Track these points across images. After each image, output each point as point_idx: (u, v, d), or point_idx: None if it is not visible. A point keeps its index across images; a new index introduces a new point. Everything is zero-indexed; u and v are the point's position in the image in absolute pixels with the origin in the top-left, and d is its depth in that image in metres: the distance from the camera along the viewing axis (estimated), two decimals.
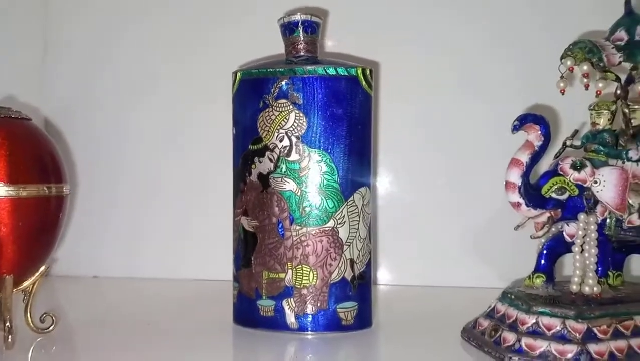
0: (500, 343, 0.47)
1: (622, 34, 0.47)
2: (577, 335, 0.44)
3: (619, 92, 0.49)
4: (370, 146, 0.56)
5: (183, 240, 0.76)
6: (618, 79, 0.49)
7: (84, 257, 0.79)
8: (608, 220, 0.47)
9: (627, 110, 0.48)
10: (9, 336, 0.49)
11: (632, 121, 0.50)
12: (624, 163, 0.48)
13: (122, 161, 0.78)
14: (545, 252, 0.50)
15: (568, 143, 0.49)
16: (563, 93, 0.48)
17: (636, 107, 0.50)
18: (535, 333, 0.45)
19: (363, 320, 0.55)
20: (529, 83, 0.68)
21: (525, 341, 0.45)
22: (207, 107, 0.74)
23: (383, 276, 0.73)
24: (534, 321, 0.46)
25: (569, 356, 0.43)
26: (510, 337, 0.46)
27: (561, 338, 0.44)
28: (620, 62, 0.46)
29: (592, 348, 0.43)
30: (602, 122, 0.49)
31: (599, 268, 0.48)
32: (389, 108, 0.72)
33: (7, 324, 0.49)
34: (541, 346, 0.44)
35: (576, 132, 0.50)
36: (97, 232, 0.78)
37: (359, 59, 0.70)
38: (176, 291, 0.72)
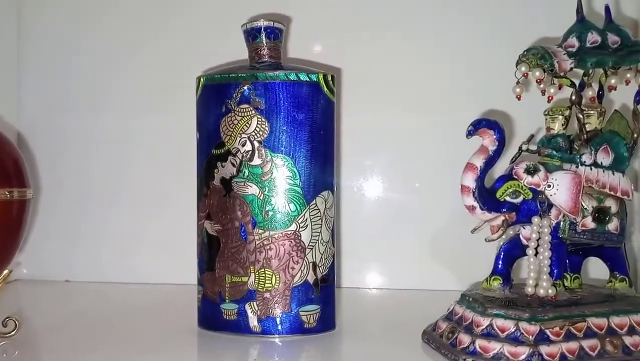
0: (456, 345, 0.47)
1: (573, 40, 0.48)
2: (530, 336, 0.45)
3: (573, 97, 0.49)
4: (334, 151, 0.57)
5: (150, 244, 0.77)
6: (573, 85, 0.50)
7: (56, 261, 0.79)
8: (562, 223, 0.48)
9: (580, 116, 0.49)
10: None
11: (586, 126, 0.50)
12: (577, 167, 0.49)
13: (89, 165, 0.78)
14: (502, 254, 0.50)
15: (524, 147, 0.50)
16: (519, 99, 0.49)
17: (591, 112, 0.51)
18: (489, 335, 0.46)
19: (326, 322, 0.55)
20: (486, 88, 0.69)
21: (479, 343, 0.46)
22: (173, 112, 0.75)
23: (347, 279, 0.74)
24: (488, 323, 0.46)
25: (521, 357, 0.44)
26: (465, 339, 0.47)
27: (514, 340, 0.45)
28: (571, 68, 0.47)
29: (544, 349, 0.44)
30: (556, 126, 0.49)
31: (554, 271, 0.49)
32: (352, 113, 0.73)
33: None
34: (495, 347, 0.45)
35: (532, 136, 0.50)
36: (67, 236, 0.78)
37: (323, 65, 0.71)
38: (143, 295, 0.72)
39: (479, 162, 0.48)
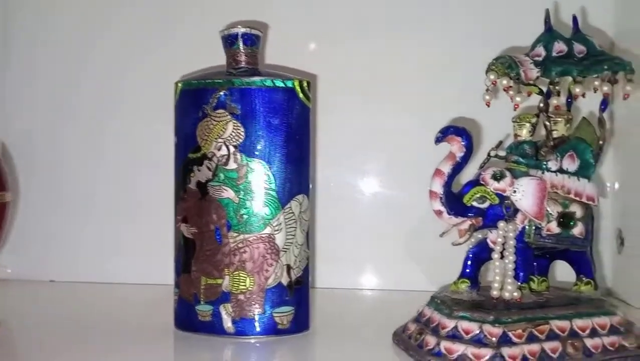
0: (423, 346, 0.48)
1: (540, 50, 0.49)
2: (493, 338, 0.46)
3: (541, 105, 0.50)
4: (309, 155, 0.58)
5: (132, 246, 0.78)
6: (541, 92, 0.51)
7: (41, 262, 0.80)
8: (527, 228, 0.49)
9: (548, 123, 0.50)
10: None
11: (554, 133, 0.52)
12: (543, 173, 0.50)
13: (72, 169, 0.79)
14: (470, 258, 0.51)
15: (492, 153, 0.51)
16: (489, 106, 0.50)
17: (558, 119, 0.52)
18: (454, 336, 0.47)
19: (300, 323, 0.56)
20: (458, 94, 0.70)
21: (444, 345, 0.47)
22: (153, 117, 0.76)
23: (323, 280, 0.75)
24: (453, 325, 0.47)
25: (484, 359, 0.45)
26: (431, 340, 0.48)
27: (478, 342, 0.46)
28: (537, 77, 0.48)
29: (506, 351, 0.45)
30: (524, 133, 0.51)
31: (520, 274, 0.50)
32: (329, 115, 0.75)
33: None
34: (458, 349, 0.46)
35: (500, 142, 0.52)
36: (51, 236, 0.79)
37: (299, 72, 0.72)
38: (124, 295, 0.73)
39: (447, 168, 0.49)
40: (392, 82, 0.75)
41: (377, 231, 0.75)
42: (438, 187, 0.49)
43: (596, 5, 0.72)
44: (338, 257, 0.74)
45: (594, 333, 0.48)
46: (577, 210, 0.50)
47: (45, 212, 0.80)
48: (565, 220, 0.49)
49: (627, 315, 0.51)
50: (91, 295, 0.74)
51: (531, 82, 0.48)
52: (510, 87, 0.48)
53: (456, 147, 0.49)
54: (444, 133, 0.49)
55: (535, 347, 0.46)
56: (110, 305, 0.69)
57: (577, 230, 0.50)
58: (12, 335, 0.58)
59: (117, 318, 0.63)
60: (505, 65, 0.48)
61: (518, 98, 0.48)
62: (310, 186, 0.58)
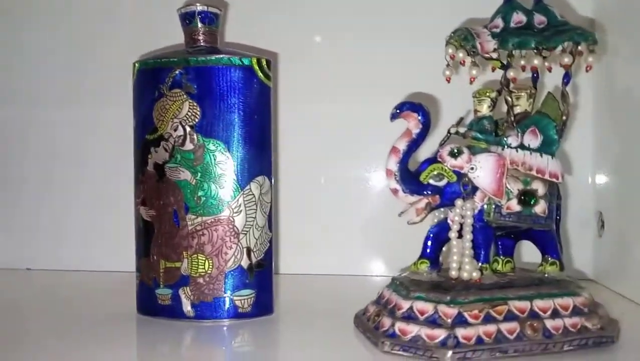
0: (379, 328, 0.47)
1: (498, 21, 0.47)
2: (448, 319, 0.44)
3: (502, 79, 0.49)
4: (269, 136, 0.56)
5: (102, 233, 0.78)
6: (503, 66, 0.49)
7: (17, 250, 0.80)
8: (487, 206, 0.48)
9: (509, 98, 0.48)
10: None
11: (516, 108, 0.50)
12: (502, 149, 0.48)
13: (46, 160, 0.79)
14: (430, 238, 0.50)
15: (452, 130, 0.49)
16: (449, 81, 0.49)
17: (520, 93, 0.50)
18: (409, 317, 0.46)
19: (261, 307, 0.55)
20: (418, 72, 0.68)
21: (399, 326, 0.45)
22: (112, 99, 0.76)
23: (286, 265, 0.74)
24: (409, 306, 0.46)
25: (437, 340, 0.44)
26: (387, 322, 0.47)
27: (432, 323, 0.45)
28: (495, 49, 0.46)
29: (460, 332, 0.44)
30: (483, 109, 0.49)
31: (481, 254, 0.48)
32: (291, 101, 0.74)
33: None
34: (412, 330, 0.45)
35: (461, 119, 0.50)
36: (26, 225, 0.80)
37: (261, 50, 0.70)
38: (94, 282, 0.73)
39: (402, 145, 0.47)
40: (355, 63, 0.74)
41: (341, 216, 0.74)
42: (393, 165, 0.47)
43: None
44: (302, 243, 0.74)
45: (555, 314, 0.46)
46: (539, 187, 0.48)
47: (24, 203, 0.80)
48: (527, 197, 0.48)
49: (604, 298, 0.49)
50: (65, 282, 0.74)
51: (488, 54, 0.46)
52: (465, 60, 0.46)
53: (412, 123, 0.47)
54: (400, 109, 0.47)
55: (491, 328, 0.44)
56: (81, 291, 0.69)
57: (539, 208, 0.48)
58: None
59: (84, 304, 0.63)
60: (462, 38, 0.46)
61: (474, 72, 0.46)
62: (272, 167, 0.57)
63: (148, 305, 0.56)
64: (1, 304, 0.63)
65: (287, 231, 0.74)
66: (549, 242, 0.50)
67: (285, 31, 0.75)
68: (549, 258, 0.50)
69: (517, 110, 0.50)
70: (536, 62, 0.46)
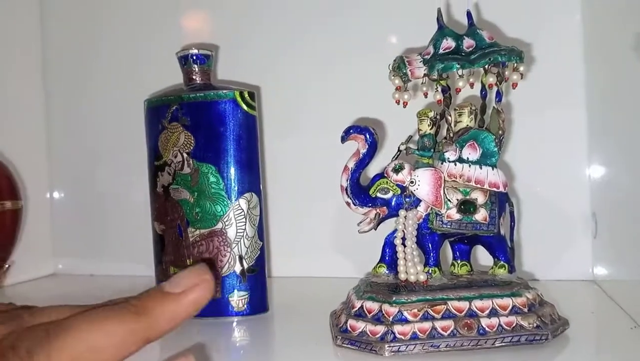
0: (338, 325, 0.54)
1: (430, 48, 0.52)
2: (389, 317, 0.50)
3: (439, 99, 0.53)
4: (256, 158, 0.65)
5: (132, 243, 0.89)
6: (444, 89, 0.54)
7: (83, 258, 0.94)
8: (430, 215, 0.53)
9: (448, 117, 0.53)
10: None
11: (460, 124, 0.54)
12: (441, 164, 0.53)
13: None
14: (387, 243, 0.56)
15: (402, 147, 0.55)
16: (398, 103, 0.54)
17: (462, 110, 0.54)
18: (359, 315, 0.52)
19: (255, 306, 0.64)
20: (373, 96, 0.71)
21: (350, 323, 0.52)
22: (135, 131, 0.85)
23: (277, 269, 0.82)
24: (360, 305, 0.52)
25: (377, 336, 0.50)
26: (343, 319, 0.53)
27: (376, 320, 0.51)
28: (424, 75, 0.51)
29: (397, 328, 0.49)
30: (424, 127, 0.54)
31: (430, 258, 0.54)
32: (277, 126, 0.82)
33: None
34: (360, 327, 0.51)
35: (410, 137, 0.55)
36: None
37: (248, 85, 0.79)
38: (118, 285, 0.84)
39: (351, 164, 0.53)
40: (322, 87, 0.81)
41: (328, 225, 0.81)
42: (344, 181, 0.54)
43: None
44: (289, 250, 0.81)
45: (493, 313, 0.50)
46: (478, 196, 0.52)
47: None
48: (466, 206, 0.52)
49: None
50: (97, 284, 0.87)
51: (419, 79, 0.51)
52: (400, 87, 0.52)
53: (360, 144, 0.53)
54: (347, 133, 0.54)
55: (426, 325, 0.49)
56: (107, 293, 0.80)
57: (480, 215, 0.52)
58: None
59: None
60: (396, 66, 0.52)
61: (406, 97, 0.51)
62: (260, 185, 0.65)
63: None
64: None
65: (277, 239, 0.82)
66: (498, 246, 0.54)
67: (268, 67, 0.83)
68: (499, 261, 0.55)
69: (460, 126, 0.54)
70: (491, 79, 0.51)
